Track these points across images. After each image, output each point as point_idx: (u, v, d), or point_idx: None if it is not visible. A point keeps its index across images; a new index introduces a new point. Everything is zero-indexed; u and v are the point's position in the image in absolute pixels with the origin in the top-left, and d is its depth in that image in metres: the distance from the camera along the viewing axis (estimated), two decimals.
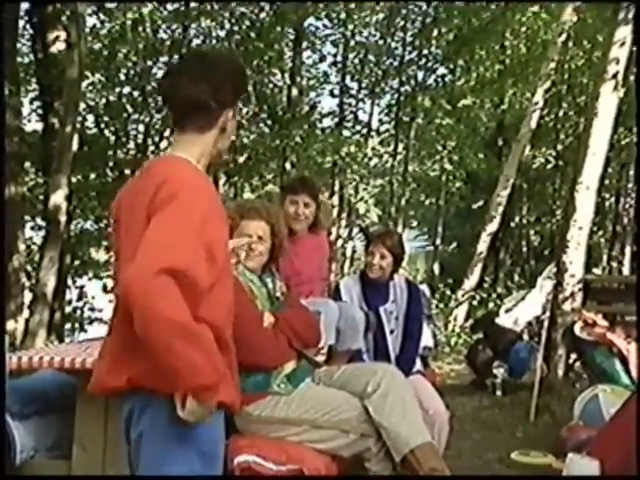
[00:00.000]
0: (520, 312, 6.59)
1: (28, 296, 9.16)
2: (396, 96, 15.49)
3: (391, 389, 2.74)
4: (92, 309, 13.07)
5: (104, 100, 13.86)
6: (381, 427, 2.68)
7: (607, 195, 14.59)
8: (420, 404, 3.01)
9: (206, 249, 1.82)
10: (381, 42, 15.20)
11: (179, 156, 1.99)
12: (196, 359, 1.70)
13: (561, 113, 14.43)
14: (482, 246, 11.78)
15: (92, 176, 13.55)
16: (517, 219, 16.33)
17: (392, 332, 3.72)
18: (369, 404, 2.73)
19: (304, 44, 14.64)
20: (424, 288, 5.12)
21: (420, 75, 15.08)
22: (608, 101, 6.67)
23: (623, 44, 6.54)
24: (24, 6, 10.29)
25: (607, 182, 13.44)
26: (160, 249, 1.74)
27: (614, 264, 14.32)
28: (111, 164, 13.63)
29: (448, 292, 12.34)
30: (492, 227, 11.90)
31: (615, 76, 6.61)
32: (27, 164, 11.27)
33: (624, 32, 6.54)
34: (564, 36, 9.15)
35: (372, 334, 3.71)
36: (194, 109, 2.01)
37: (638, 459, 1.76)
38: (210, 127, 2.02)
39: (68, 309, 12.20)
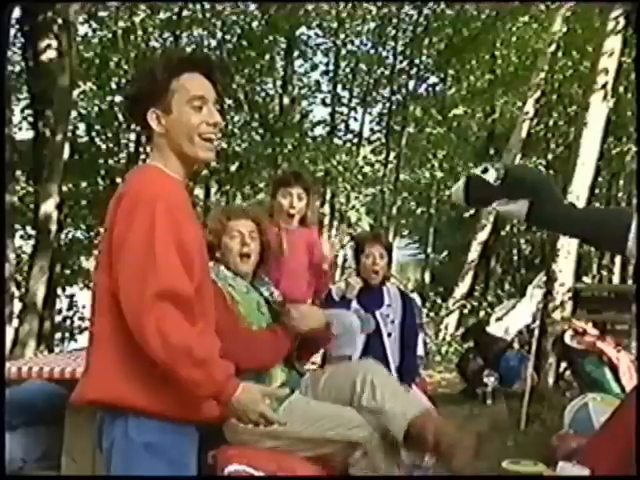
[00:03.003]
0: (511, 321, 6.60)
1: (17, 305, 9.12)
2: (387, 105, 15.55)
3: (376, 378, 2.77)
4: (82, 318, 12.99)
5: (96, 108, 13.86)
6: (380, 413, 2.69)
7: (597, 204, 14.65)
8: None
9: (180, 256, 1.81)
10: (372, 51, 15.27)
11: (146, 164, 1.98)
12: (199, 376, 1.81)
13: (551, 123, 14.49)
14: (473, 255, 11.82)
15: (83, 184, 13.53)
16: (508, 228, 16.38)
17: (390, 335, 3.64)
18: (363, 402, 2.73)
19: (296, 53, 14.70)
20: (415, 297, 5.11)
21: (411, 84, 15.17)
22: (598, 111, 6.72)
23: (612, 54, 6.59)
24: (15, 14, 10.27)
25: (597, 191, 13.51)
26: (145, 274, 1.76)
27: (604, 273, 14.38)
28: (102, 172, 13.61)
29: (439, 300, 12.37)
30: (483, 236, 11.94)
31: (604, 86, 6.66)
32: (18, 172, 11.24)
33: (613, 43, 6.60)
34: (554, 46, 9.21)
35: (365, 338, 3.61)
36: (131, 117, 2.01)
37: (638, 459, 1.75)
38: (149, 132, 1.94)
39: (58, 318, 12.14)
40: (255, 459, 2.71)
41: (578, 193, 6.60)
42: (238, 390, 1.83)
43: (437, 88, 15.77)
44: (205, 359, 1.78)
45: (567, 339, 5.98)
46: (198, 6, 13.26)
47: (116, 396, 1.83)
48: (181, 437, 1.90)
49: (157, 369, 1.78)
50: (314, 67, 15.46)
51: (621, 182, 15.08)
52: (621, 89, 11.54)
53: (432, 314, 11.63)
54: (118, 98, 13.72)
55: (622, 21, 6.50)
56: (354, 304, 3.62)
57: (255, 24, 13.88)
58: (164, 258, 1.77)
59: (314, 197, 3.67)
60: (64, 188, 10.61)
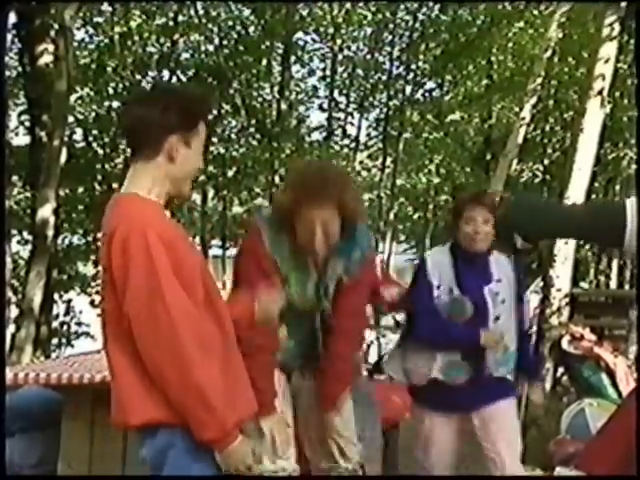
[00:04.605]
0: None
1: (14, 311, 9.10)
2: (384, 110, 15.55)
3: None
4: (79, 324, 12.99)
5: (93, 114, 13.85)
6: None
7: None
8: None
9: (180, 279, 1.86)
10: (369, 57, 15.28)
11: (125, 194, 2.00)
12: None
13: (548, 128, 14.51)
14: None
15: (80, 190, 13.51)
16: None
17: (497, 319, 3.00)
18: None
19: (292, 58, 14.70)
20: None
21: (408, 89, 15.16)
22: (594, 117, 6.75)
23: (608, 61, 6.62)
24: (12, 20, 10.28)
25: (593, 196, 13.52)
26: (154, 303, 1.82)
27: (601, 278, 14.39)
28: (99, 178, 13.59)
29: None
30: None
31: (601, 92, 6.69)
32: (14, 177, 11.22)
33: (608, 49, 6.63)
34: (550, 52, 9.23)
35: (461, 324, 2.98)
36: (139, 133, 2.00)
37: (638, 459, 1.76)
38: (155, 154, 1.96)
39: (55, 324, 12.11)
40: None
41: (575, 198, 6.62)
42: (237, 441, 1.85)
43: (434, 93, 15.77)
44: (217, 406, 1.80)
45: (564, 344, 5.99)
46: (193, 11, 13.27)
47: (148, 418, 1.86)
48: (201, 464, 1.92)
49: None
50: (311, 72, 15.47)
51: (617, 187, 15.11)
52: (617, 95, 11.59)
53: None
54: (115, 103, 13.72)
55: (617, 27, 6.54)
56: (446, 283, 2.99)
57: (252, 29, 13.90)
58: (168, 283, 1.82)
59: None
60: (61, 193, 10.59)
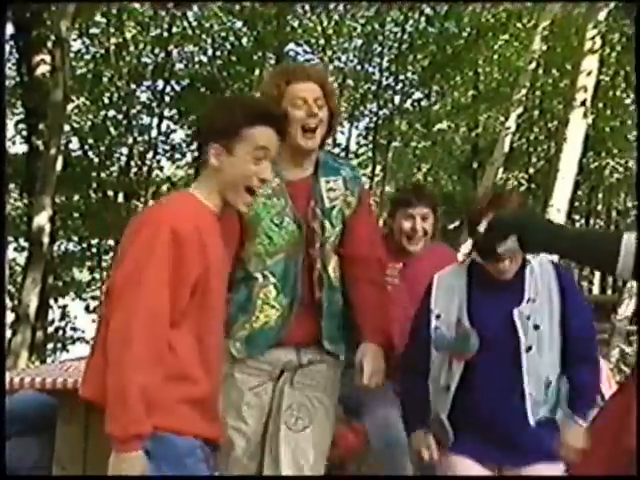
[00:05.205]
0: None
1: (10, 316, 9.08)
2: (374, 119, 15.60)
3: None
4: (74, 329, 12.97)
5: (89, 123, 13.84)
6: None
7: (577, 217, 14.76)
8: None
9: (173, 287, 1.78)
10: (359, 67, 15.33)
11: (186, 191, 1.98)
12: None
13: (533, 137, 14.60)
14: None
15: (76, 197, 13.49)
16: None
17: (529, 350, 2.25)
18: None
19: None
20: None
21: (397, 99, 15.22)
22: (577, 127, 6.80)
23: (590, 73, 6.68)
24: (10, 31, 10.29)
25: (577, 204, 13.61)
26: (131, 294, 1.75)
27: (584, 283, 14.46)
28: (95, 185, 13.58)
29: None
30: (467, 247, 11.98)
31: (583, 103, 6.74)
32: (11, 185, 11.20)
33: (590, 62, 6.68)
34: (534, 64, 9.30)
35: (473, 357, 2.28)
36: (196, 139, 2.03)
37: (638, 459, 1.74)
38: (205, 161, 1.94)
39: (50, 329, 12.08)
40: None
41: (559, 206, 6.65)
42: (134, 453, 1.69)
43: (422, 103, 15.83)
44: (133, 408, 1.67)
45: None
46: (187, 23, 13.30)
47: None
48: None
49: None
50: None
51: (600, 195, 15.21)
52: (600, 105, 11.67)
53: None
54: (111, 112, 13.73)
55: (598, 41, 6.60)
56: (453, 312, 2.32)
57: (244, 40, 13.93)
58: (152, 277, 1.75)
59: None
60: (57, 200, 10.58)
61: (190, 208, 1.87)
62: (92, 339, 2.00)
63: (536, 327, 2.26)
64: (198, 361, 1.82)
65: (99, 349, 1.79)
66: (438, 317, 2.33)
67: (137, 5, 12.81)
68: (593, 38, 6.50)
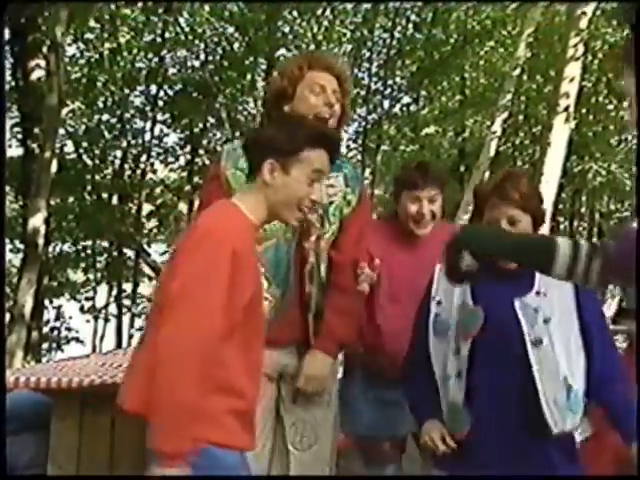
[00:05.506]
0: None
1: (6, 316, 9.04)
2: (363, 124, 15.64)
3: None
4: (69, 329, 12.93)
5: (83, 126, 13.81)
6: None
7: (561, 219, 14.84)
8: None
9: (229, 301, 1.74)
10: (348, 72, 15.36)
11: (229, 201, 1.90)
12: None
13: (518, 142, 14.68)
14: None
15: (70, 199, 13.46)
16: None
17: (538, 343, 2.01)
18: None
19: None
20: None
21: (386, 104, 15.24)
22: (560, 132, 6.84)
23: (572, 80, 6.73)
24: (5, 36, 10.24)
25: (561, 206, 13.69)
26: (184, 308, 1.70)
27: None
28: (89, 188, 13.55)
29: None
30: None
31: (567, 109, 6.79)
32: (7, 188, 11.17)
33: (573, 69, 6.73)
34: (519, 70, 9.36)
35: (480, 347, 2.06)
36: (249, 150, 1.93)
37: (639, 459, 1.71)
38: (256, 175, 1.87)
39: (45, 329, 12.04)
40: None
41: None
42: (184, 469, 1.63)
43: (410, 108, 15.87)
44: (188, 421, 1.64)
45: None
46: (180, 28, 13.28)
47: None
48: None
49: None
50: None
51: (583, 198, 15.30)
52: (583, 111, 11.75)
53: None
54: (105, 116, 13.71)
55: (581, 48, 6.65)
56: (458, 296, 2.13)
57: (236, 46, 13.93)
58: (210, 299, 1.70)
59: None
60: (52, 203, 10.56)
61: (243, 225, 1.83)
62: (140, 341, 1.90)
63: (546, 321, 2.03)
64: (245, 374, 1.79)
65: (145, 354, 1.75)
66: (439, 303, 2.16)
67: (129, 11, 12.79)
68: (575, 45, 6.56)
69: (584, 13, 6.70)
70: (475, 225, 2.28)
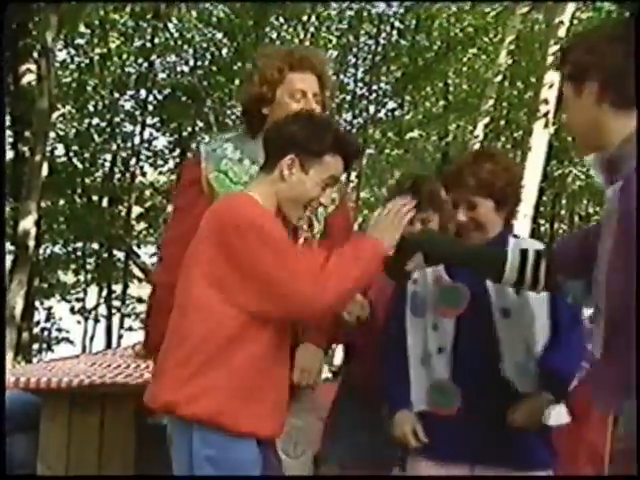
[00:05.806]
0: None
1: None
2: (349, 128, 15.66)
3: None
4: (59, 330, 12.86)
5: (73, 130, 13.75)
6: None
7: (542, 221, 14.93)
8: None
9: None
10: (334, 78, 15.38)
11: (244, 193, 1.89)
12: None
13: (499, 146, 14.75)
14: None
15: (61, 202, 13.39)
16: None
17: (506, 314, 2.04)
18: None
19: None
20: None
21: (371, 109, 15.28)
22: (540, 137, 6.90)
23: (552, 86, 6.78)
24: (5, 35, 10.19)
25: (542, 209, 13.77)
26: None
27: None
28: (79, 191, 13.48)
29: None
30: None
31: (546, 115, 6.84)
32: None
33: (552, 76, 6.79)
34: (500, 77, 9.42)
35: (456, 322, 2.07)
36: (268, 142, 1.92)
37: (638, 459, 1.73)
38: (271, 168, 1.86)
39: (36, 330, 11.97)
40: None
41: (525, 211, 6.74)
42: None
43: (395, 113, 15.92)
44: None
45: None
46: (169, 34, 13.26)
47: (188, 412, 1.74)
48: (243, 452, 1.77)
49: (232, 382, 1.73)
50: None
51: (563, 201, 15.41)
52: (564, 116, 11.79)
53: None
54: (95, 120, 13.65)
55: (559, 56, 6.70)
56: (432, 272, 2.13)
57: (224, 51, 13.91)
58: (295, 261, 1.77)
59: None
60: (42, 205, 10.50)
61: (269, 213, 1.85)
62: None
63: (518, 292, 2.01)
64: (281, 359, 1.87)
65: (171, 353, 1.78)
66: (415, 282, 2.14)
67: (118, 16, 12.75)
68: (555, 53, 6.61)
69: (562, 22, 6.78)
70: (432, 230, 2.36)
